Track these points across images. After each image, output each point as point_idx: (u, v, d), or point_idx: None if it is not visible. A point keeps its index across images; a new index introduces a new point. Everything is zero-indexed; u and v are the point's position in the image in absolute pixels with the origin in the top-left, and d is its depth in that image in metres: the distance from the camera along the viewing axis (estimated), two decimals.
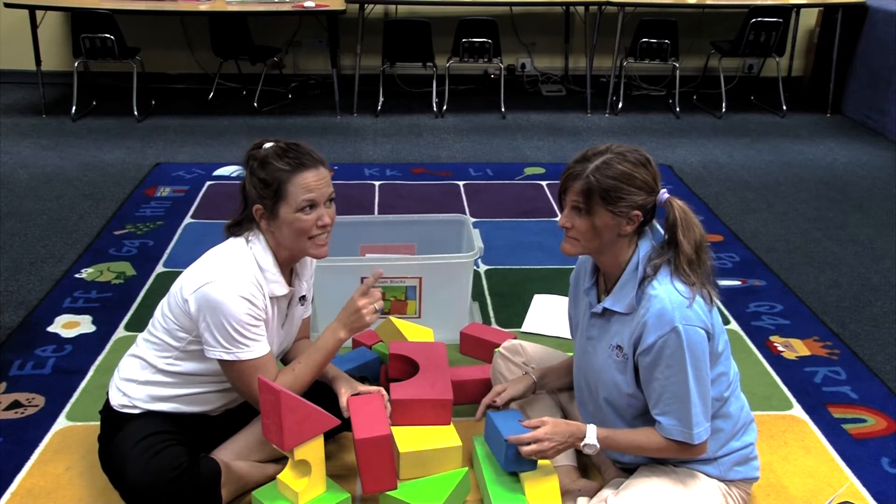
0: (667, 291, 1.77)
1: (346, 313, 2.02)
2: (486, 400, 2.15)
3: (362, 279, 2.75)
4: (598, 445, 1.87)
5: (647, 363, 1.79)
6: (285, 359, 2.22)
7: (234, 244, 1.99)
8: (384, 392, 2.11)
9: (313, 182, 1.95)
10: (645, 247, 1.84)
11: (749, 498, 2.00)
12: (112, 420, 2.02)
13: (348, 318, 2.01)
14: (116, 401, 2.02)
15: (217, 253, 1.98)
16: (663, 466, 1.93)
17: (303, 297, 2.16)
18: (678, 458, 1.90)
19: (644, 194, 1.78)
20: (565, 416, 2.20)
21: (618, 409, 1.92)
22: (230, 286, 1.89)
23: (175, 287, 1.98)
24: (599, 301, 1.91)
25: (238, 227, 2.02)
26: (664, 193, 1.81)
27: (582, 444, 1.88)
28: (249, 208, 1.98)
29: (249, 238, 1.99)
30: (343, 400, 2.06)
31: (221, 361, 1.93)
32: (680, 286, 1.77)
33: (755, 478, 1.99)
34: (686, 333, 1.74)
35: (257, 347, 1.93)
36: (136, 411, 2.00)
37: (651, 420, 1.86)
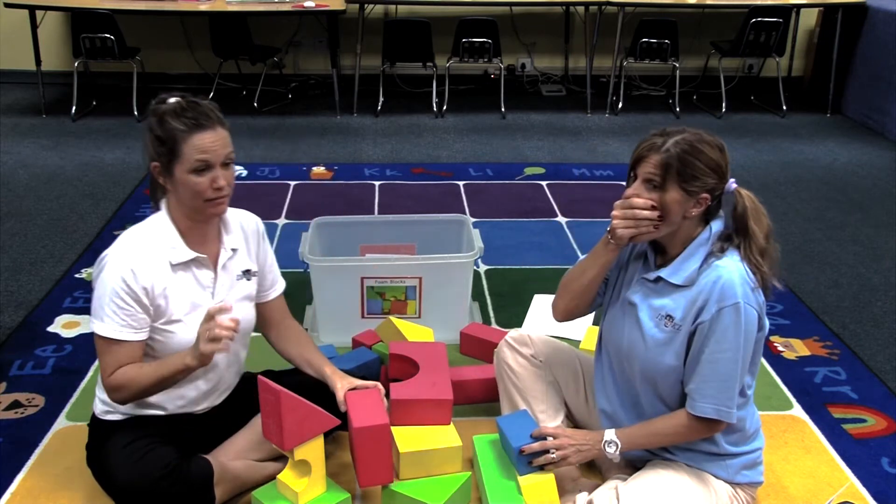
0: (736, 267, 1.77)
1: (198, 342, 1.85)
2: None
3: (362, 279, 2.76)
4: (620, 443, 1.87)
5: (703, 334, 1.78)
6: (279, 348, 2.21)
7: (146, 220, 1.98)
8: (381, 386, 2.10)
9: (209, 143, 1.87)
10: (718, 225, 1.84)
11: (755, 502, 2.00)
12: (99, 428, 2.02)
13: (196, 348, 1.83)
14: (98, 409, 2.03)
15: (123, 234, 1.96)
16: (674, 462, 1.92)
17: (247, 272, 2.09)
18: (689, 452, 1.90)
19: (717, 179, 1.79)
20: (571, 413, 2.20)
21: (653, 381, 1.89)
22: (115, 260, 1.88)
23: None
24: (655, 269, 1.88)
25: (153, 189, 2.00)
26: (732, 183, 1.81)
27: (603, 442, 1.88)
28: (148, 165, 1.94)
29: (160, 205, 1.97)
30: (340, 394, 2.04)
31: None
32: (748, 268, 1.78)
33: (760, 482, 1.99)
34: (745, 311, 1.75)
35: (113, 327, 1.87)
36: (120, 417, 2.00)
37: (676, 395, 1.86)
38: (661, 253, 1.90)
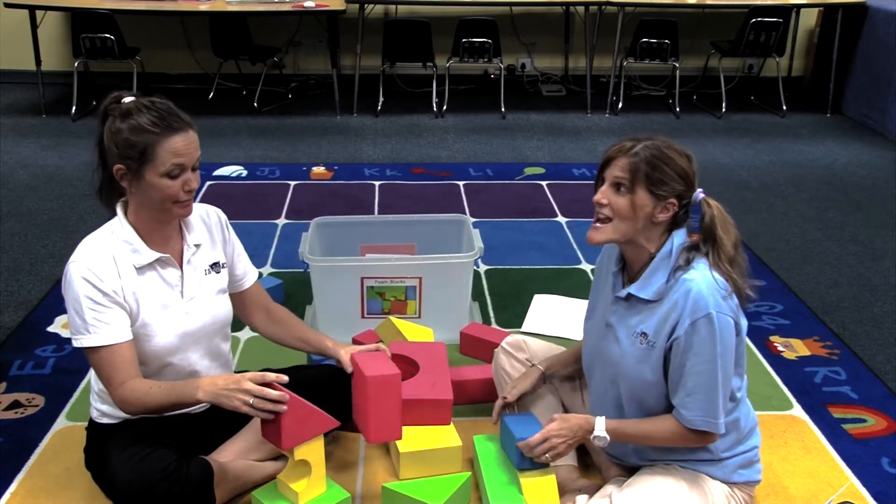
0: (703, 277, 1.77)
1: (223, 379, 1.84)
2: (499, 403, 2.12)
3: (362, 279, 2.76)
4: (608, 437, 1.87)
5: (679, 349, 1.78)
6: (272, 337, 2.22)
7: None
8: (384, 347, 2.11)
9: (182, 146, 1.84)
10: (680, 237, 1.84)
11: (752, 501, 2.00)
12: (96, 431, 2.02)
13: (218, 388, 1.81)
14: (94, 414, 2.03)
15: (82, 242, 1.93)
16: (668, 466, 1.92)
17: (215, 265, 2.07)
18: (684, 453, 1.90)
19: (684, 185, 1.80)
20: (567, 411, 2.20)
21: (639, 399, 1.90)
22: (75, 267, 1.86)
23: None
24: (624, 287, 1.90)
25: (108, 192, 1.95)
26: (700, 193, 1.82)
27: (591, 436, 1.87)
28: (110, 168, 1.89)
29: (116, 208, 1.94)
30: (345, 357, 2.06)
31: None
32: (718, 276, 1.78)
33: (757, 481, 1.99)
34: (719, 321, 1.74)
35: (100, 335, 1.85)
36: (116, 421, 1.99)
37: (664, 409, 1.86)
38: (629, 269, 1.91)
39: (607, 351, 1.93)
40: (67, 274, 1.88)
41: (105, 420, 2.01)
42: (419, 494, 2.00)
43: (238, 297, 2.19)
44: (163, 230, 1.96)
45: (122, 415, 1.96)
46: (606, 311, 1.95)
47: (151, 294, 1.94)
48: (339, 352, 2.10)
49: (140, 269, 1.92)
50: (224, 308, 2.09)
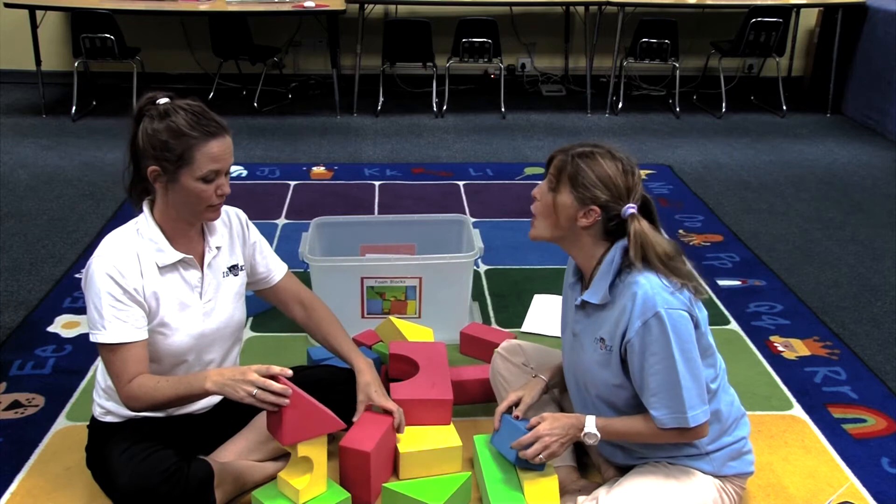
0: (647, 279, 1.78)
1: (230, 371, 1.84)
2: (500, 409, 2.09)
3: (362, 279, 2.76)
4: (599, 434, 1.87)
5: (634, 351, 1.79)
6: (309, 331, 2.25)
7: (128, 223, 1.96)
8: (396, 412, 2.10)
9: (219, 152, 1.86)
10: (622, 244, 1.84)
11: (744, 493, 2.01)
12: (98, 430, 2.02)
13: (225, 379, 1.82)
14: (97, 412, 2.03)
15: (106, 238, 1.94)
16: (658, 465, 1.93)
17: (234, 267, 2.08)
18: (672, 450, 1.90)
19: (609, 195, 1.80)
20: (561, 410, 2.21)
21: (610, 402, 1.92)
22: (98, 263, 1.87)
23: None
24: (580, 295, 1.92)
25: (137, 191, 1.97)
26: (629, 208, 1.80)
27: (582, 434, 1.88)
28: (143, 168, 1.89)
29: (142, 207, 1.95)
30: (359, 412, 2.09)
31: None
32: (663, 279, 1.79)
33: (750, 472, 1.99)
34: (669, 317, 1.75)
35: (116, 332, 1.85)
36: (119, 419, 2.00)
37: (636, 411, 1.87)
38: (584, 277, 1.93)
39: (576, 359, 1.97)
40: (90, 269, 1.88)
41: (108, 418, 2.01)
42: (419, 494, 2.00)
43: (271, 293, 2.21)
44: (187, 231, 1.97)
45: (126, 413, 1.97)
46: (571, 321, 1.98)
47: (172, 294, 1.95)
48: (359, 395, 2.11)
49: (163, 269, 1.93)
50: (240, 311, 2.11)
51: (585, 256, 1.89)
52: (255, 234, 2.16)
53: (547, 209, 1.86)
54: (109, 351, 1.87)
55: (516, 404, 2.08)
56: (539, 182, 1.93)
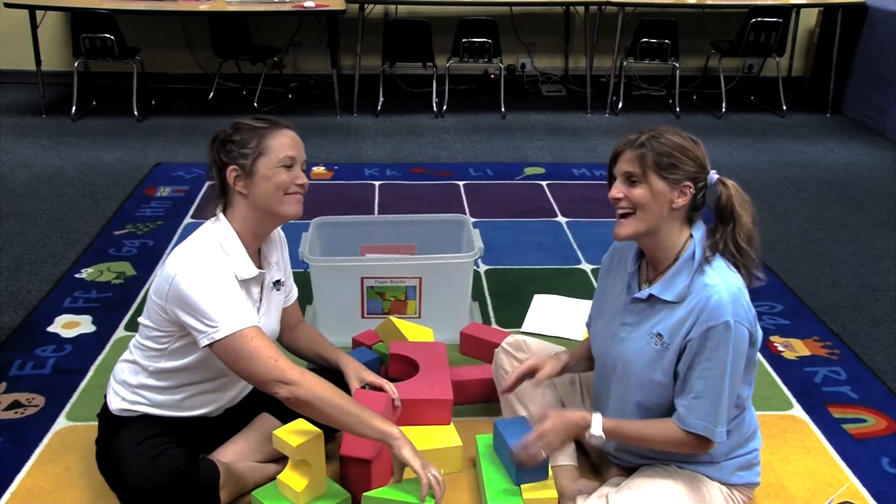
0: (723, 281, 1.76)
1: (421, 456, 1.86)
2: (521, 369, 2.05)
3: (362, 279, 2.76)
4: (604, 436, 1.86)
5: (691, 351, 1.78)
6: (292, 348, 2.28)
7: (200, 232, 1.95)
8: (389, 389, 2.13)
9: (290, 141, 1.94)
10: (699, 231, 1.83)
11: (751, 503, 2.00)
12: (110, 423, 2.02)
13: (416, 452, 1.85)
14: (115, 405, 2.01)
15: (182, 247, 1.92)
16: (666, 467, 1.92)
17: (278, 282, 2.11)
18: (683, 454, 1.89)
19: (695, 167, 1.79)
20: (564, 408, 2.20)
21: (645, 398, 1.89)
22: (186, 273, 1.83)
23: (150, 292, 1.94)
24: (641, 288, 1.89)
25: (223, 198, 1.99)
26: (714, 174, 1.81)
27: (587, 434, 1.87)
28: (225, 176, 1.92)
29: (215, 220, 1.95)
30: (353, 385, 2.13)
31: (213, 348, 1.84)
32: (733, 275, 1.77)
33: (756, 483, 1.99)
34: (735, 329, 1.74)
35: (237, 319, 1.82)
36: (134, 414, 1.99)
37: (667, 413, 1.85)
38: (651, 267, 1.90)
39: (619, 351, 1.92)
40: (177, 285, 1.83)
41: (126, 412, 1.99)
42: (401, 494, 1.99)
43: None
44: (256, 244, 2.01)
45: (143, 410, 1.98)
46: (619, 312, 1.94)
47: None
48: (349, 378, 2.16)
49: (241, 282, 1.94)
50: (279, 326, 2.16)
51: (669, 247, 1.83)
52: (287, 254, 2.21)
53: (643, 201, 1.78)
54: (242, 338, 1.80)
55: (532, 374, 2.06)
56: (603, 183, 1.87)
